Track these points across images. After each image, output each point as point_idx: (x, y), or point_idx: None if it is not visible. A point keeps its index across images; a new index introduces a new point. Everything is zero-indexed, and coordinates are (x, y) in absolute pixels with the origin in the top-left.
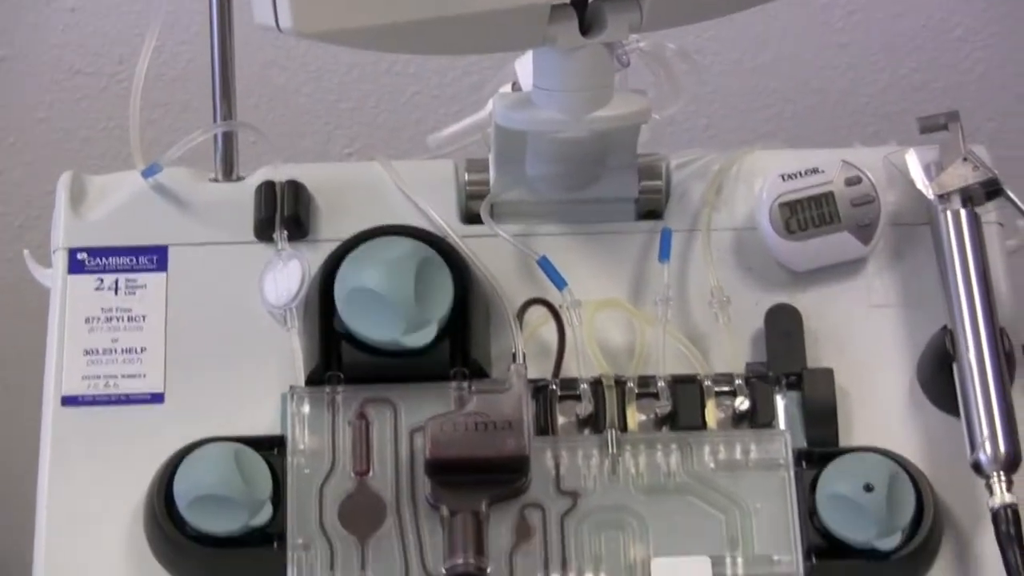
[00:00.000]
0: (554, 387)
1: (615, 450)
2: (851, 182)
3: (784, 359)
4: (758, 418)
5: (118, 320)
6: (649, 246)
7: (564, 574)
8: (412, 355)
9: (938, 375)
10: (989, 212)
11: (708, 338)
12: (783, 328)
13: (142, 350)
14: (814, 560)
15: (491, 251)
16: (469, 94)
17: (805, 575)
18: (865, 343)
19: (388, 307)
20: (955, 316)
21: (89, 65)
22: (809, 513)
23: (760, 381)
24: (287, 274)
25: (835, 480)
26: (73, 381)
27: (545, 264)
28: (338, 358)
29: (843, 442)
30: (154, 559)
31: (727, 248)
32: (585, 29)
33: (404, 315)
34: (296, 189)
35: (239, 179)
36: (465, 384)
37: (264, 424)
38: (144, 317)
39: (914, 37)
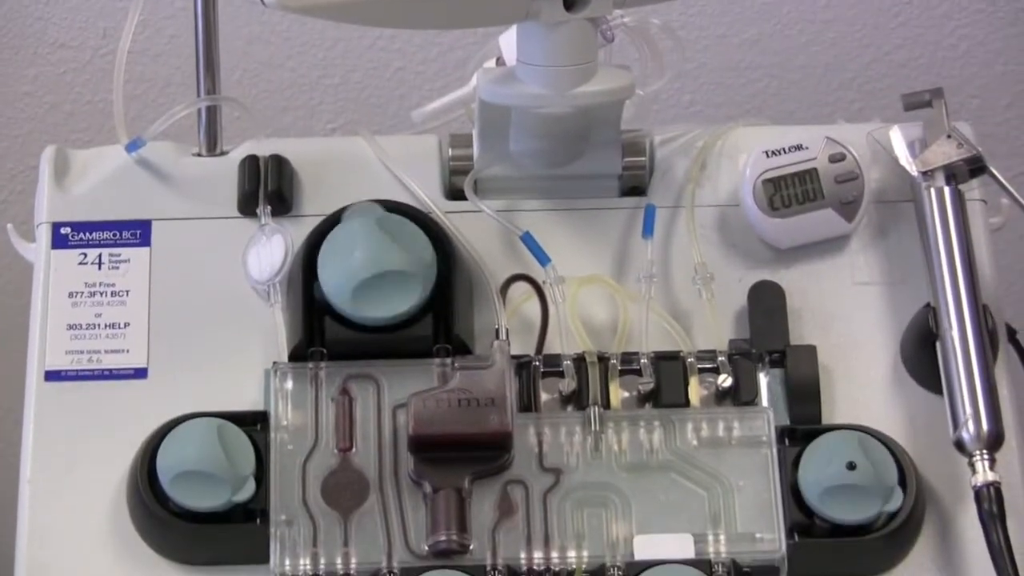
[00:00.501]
0: (537, 363)
1: (598, 427)
2: (835, 159)
3: (767, 336)
4: (741, 395)
5: (101, 295)
6: (633, 222)
7: (547, 551)
8: (395, 330)
9: (921, 353)
10: (973, 189)
11: (691, 315)
12: (766, 305)
13: (125, 325)
14: (796, 538)
15: (474, 227)
16: (453, 69)
17: (788, 553)
18: (848, 321)
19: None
20: (938, 294)
21: (73, 39)
22: (792, 491)
23: (743, 358)
24: (270, 249)
25: (818, 458)
26: (57, 356)
27: (528, 240)
28: (321, 334)
29: (826, 420)
30: (137, 535)
31: (711, 225)
32: (569, 4)
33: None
34: (280, 164)
35: (223, 153)
36: (448, 360)
37: (247, 400)
38: (127, 292)
39: (898, 14)
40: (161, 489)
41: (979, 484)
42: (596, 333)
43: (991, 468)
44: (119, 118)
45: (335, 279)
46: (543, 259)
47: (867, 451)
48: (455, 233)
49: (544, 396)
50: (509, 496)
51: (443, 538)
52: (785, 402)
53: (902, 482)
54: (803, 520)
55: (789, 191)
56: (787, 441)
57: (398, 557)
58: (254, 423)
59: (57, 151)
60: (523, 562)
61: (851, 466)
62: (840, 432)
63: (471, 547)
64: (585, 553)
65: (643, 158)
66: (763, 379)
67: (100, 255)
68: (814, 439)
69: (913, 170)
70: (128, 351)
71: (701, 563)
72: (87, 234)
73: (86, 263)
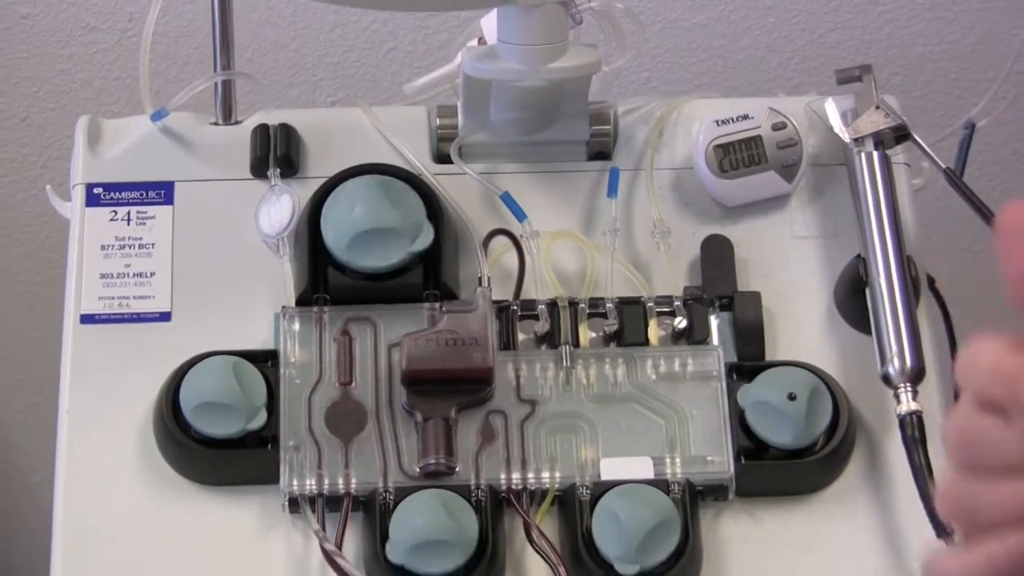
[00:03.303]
0: (515, 308)
1: (569, 363)
2: (777, 127)
3: (717, 284)
4: (694, 335)
5: (130, 248)
6: (599, 183)
7: (524, 472)
8: (390, 278)
9: (852, 298)
10: (898, 154)
11: (650, 265)
12: (717, 256)
13: (151, 274)
14: (743, 460)
15: (459, 187)
16: (439, 49)
17: (735, 474)
18: (788, 270)
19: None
20: (868, 246)
21: (103, 22)
22: (739, 419)
23: (696, 303)
24: (279, 207)
25: (762, 390)
26: (91, 301)
27: (507, 199)
28: (324, 282)
29: (769, 357)
30: (163, 459)
31: (667, 185)
32: None
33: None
34: (287, 131)
35: (237, 123)
36: (437, 305)
37: (259, 340)
38: (153, 245)
39: (830, 1)
40: (184, 418)
41: (903, 413)
42: (567, 281)
43: (914, 399)
44: (145, 91)
45: (337, 231)
46: (520, 215)
47: (805, 383)
48: (442, 192)
49: (521, 336)
50: (491, 424)
51: (432, 461)
52: (733, 341)
53: (835, 411)
54: (748, 445)
55: (736, 155)
56: (735, 376)
57: (393, 478)
58: (265, 360)
59: (90, 120)
60: (503, 482)
61: (791, 397)
62: (781, 367)
63: (457, 469)
64: (558, 474)
65: (608, 126)
66: (714, 321)
67: (129, 212)
68: (758, 373)
69: (846, 137)
70: (154, 297)
71: (660, 483)
72: (117, 194)
73: (116, 219)
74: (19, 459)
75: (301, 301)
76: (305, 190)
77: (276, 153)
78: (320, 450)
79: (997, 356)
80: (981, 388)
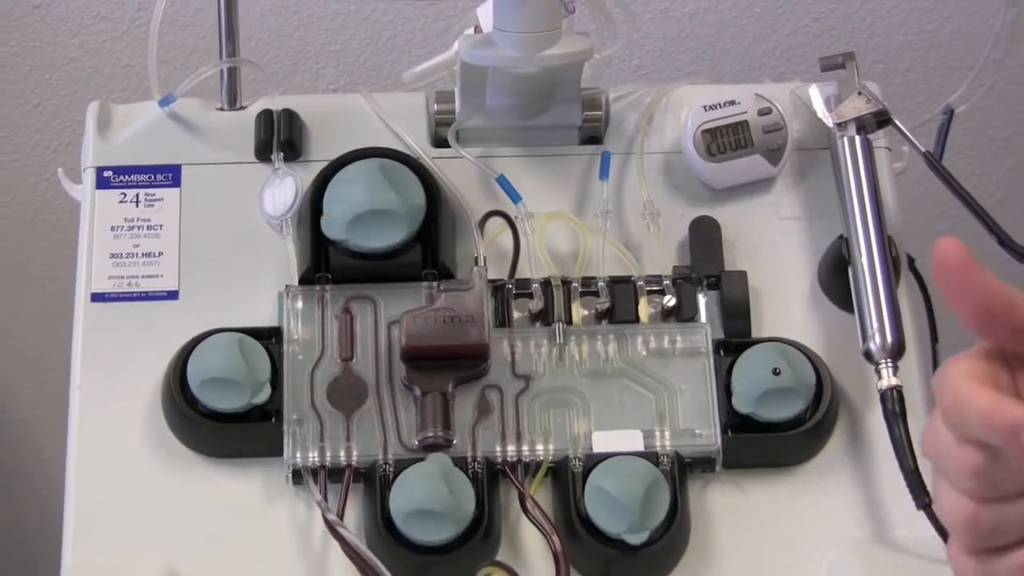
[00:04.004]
0: (510, 286)
1: (562, 340)
2: (763, 112)
3: (705, 263)
4: (683, 313)
5: (139, 229)
6: (591, 167)
7: (518, 445)
8: (389, 258)
9: (835, 277)
10: (879, 139)
11: (641, 245)
12: (704, 237)
13: (159, 254)
14: (730, 433)
15: (456, 170)
16: (437, 38)
17: (722, 446)
18: (774, 250)
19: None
20: (850, 226)
21: (113, 12)
22: (726, 394)
23: (685, 282)
24: (283, 189)
25: (748, 365)
26: (101, 280)
27: (503, 181)
28: (326, 261)
29: (755, 334)
30: (170, 432)
31: (657, 169)
32: None
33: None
34: (291, 117)
35: (241, 108)
36: (435, 283)
37: (263, 317)
38: (161, 226)
39: None
40: (191, 393)
41: (884, 387)
42: (560, 261)
43: (894, 374)
44: (153, 78)
45: (337, 211)
46: (515, 197)
47: (789, 360)
48: (440, 175)
49: (516, 314)
50: (486, 398)
51: (431, 434)
52: (720, 319)
53: (819, 386)
54: (735, 419)
55: (724, 140)
56: (722, 352)
57: (392, 451)
58: (269, 337)
59: (100, 106)
60: (498, 455)
61: (776, 372)
62: (767, 344)
63: (454, 442)
64: (551, 447)
65: (600, 112)
66: (701, 299)
67: (137, 194)
68: (745, 350)
69: (829, 122)
70: (162, 276)
71: (649, 455)
72: (126, 177)
73: (126, 201)
74: (32, 433)
75: (304, 280)
76: (308, 173)
77: (280, 137)
78: (322, 423)
79: (985, 402)
80: (971, 432)
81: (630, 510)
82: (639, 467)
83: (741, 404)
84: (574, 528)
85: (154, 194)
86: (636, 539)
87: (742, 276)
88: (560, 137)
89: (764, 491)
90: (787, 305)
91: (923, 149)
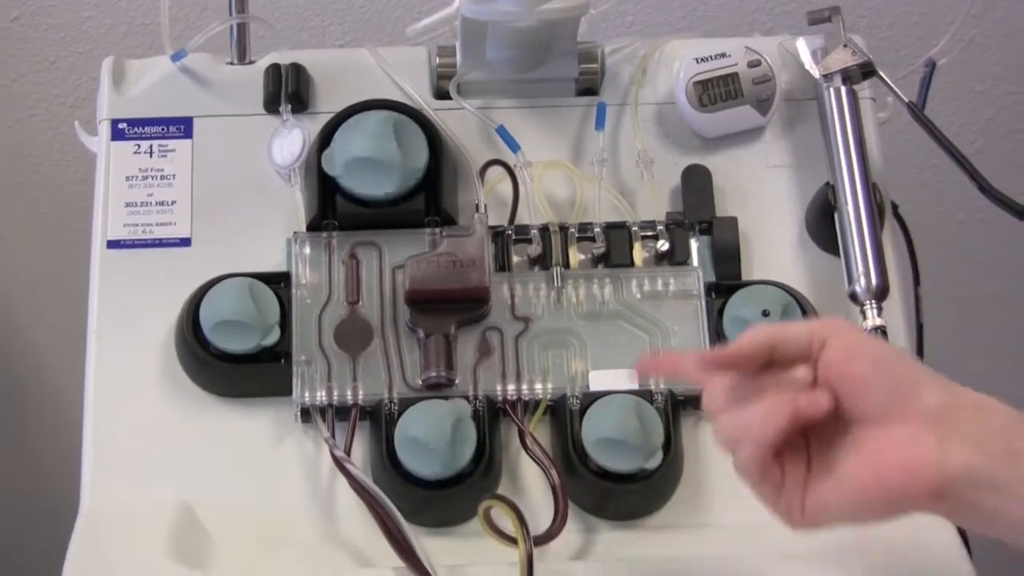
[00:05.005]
0: (510, 232)
1: (559, 283)
2: (752, 64)
3: (697, 209)
4: (676, 257)
5: (152, 178)
6: (587, 117)
7: (518, 384)
8: (393, 205)
9: (822, 222)
10: (864, 89)
11: (635, 192)
12: (696, 184)
13: (172, 203)
14: None
15: (458, 121)
16: None
17: None
18: (763, 196)
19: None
20: (836, 174)
21: None
22: (717, 334)
23: (678, 227)
24: (291, 140)
25: (738, 307)
26: (116, 228)
27: (502, 132)
28: (333, 209)
29: (745, 277)
30: (184, 373)
31: (651, 119)
32: None
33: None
34: (298, 70)
35: (251, 63)
36: (437, 230)
37: (273, 263)
38: (174, 176)
39: None
40: (203, 335)
41: (869, 327)
42: (558, 207)
43: (879, 315)
44: (165, 34)
45: (340, 150)
46: (514, 147)
47: (778, 301)
48: (442, 126)
49: (515, 259)
50: (487, 340)
51: (434, 374)
52: (711, 263)
53: None
54: None
55: (715, 91)
56: (713, 294)
57: (397, 390)
58: (279, 281)
59: (115, 61)
60: (499, 393)
61: (765, 313)
62: (756, 286)
63: (456, 381)
64: (550, 385)
65: (595, 65)
66: (694, 244)
67: (151, 146)
68: (735, 292)
69: (816, 73)
70: (175, 224)
71: (644, 393)
72: (140, 128)
73: (140, 152)
74: (51, 378)
75: (311, 227)
76: (314, 124)
77: (287, 90)
78: (330, 364)
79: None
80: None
81: (632, 444)
82: (628, 403)
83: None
84: (572, 463)
85: (167, 145)
86: (653, 463)
87: (733, 222)
88: (557, 89)
89: None
90: (776, 249)
91: (906, 100)
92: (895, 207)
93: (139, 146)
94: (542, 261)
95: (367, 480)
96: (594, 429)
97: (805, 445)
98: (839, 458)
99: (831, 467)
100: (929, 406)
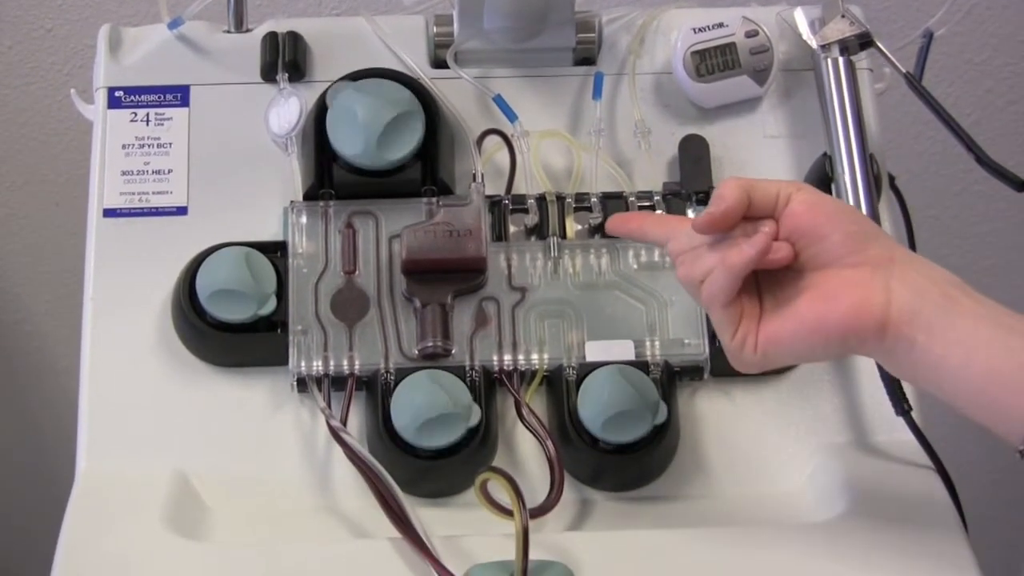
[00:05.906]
0: (507, 202)
1: (556, 253)
2: (750, 35)
3: (694, 179)
4: None
5: (149, 147)
6: (584, 87)
7: (515, 354)
8: (390, 174)
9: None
10: (862, 60)
11: (632, 162)
12: (694, 154)
13: (169, 171)
14: (717, 343)
15: (455, 90)
16: None
17: (710, 355)
18: (760, 167)
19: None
20: (834, 144)
21: None
22: None
23: (675, 197)
24: (288, 109)
25: None
26: (113, 197)
27: (499, 101)
28: (330, 178)
29: None
30: (180, 342)
31: (648, 89)
32: None
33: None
34: (295, 39)
35: (248, 31)
36: (434, 199)
37: (269, 232)
38: (171, 144)
39: None
40: (200, 304)
41: None
42: (555, 177)
43: None
44: (162, 2)
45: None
46: (511, 116)
47: None
48: (439, 95)
49: (512, 228)
50: (484, 310)
51: (430, 344)
52: None
53: None
54: None
55: (712, 61)
56: None
57: (393, 360)
58: (275, 251)
59: (111, 29)
60: (495, 363)
61: None
62: None
63: (453, 351)
64: (546, 356)
65: (593, 34)
66: (691, 214)
67: (148, 114)
68: None
69: (813, 44)
70: (171, 192)
71: (640, 364)
72: (137, 96)
73: (136, 120)
74: (47, 346)
75: (308, 196)
76: (311, 93)
77: (284, 59)
78: (326, 334)
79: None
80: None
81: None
82: (624, 373)
83: None
84: (568, 434)
85: (164, 113)
86: (648, 434)
87: None
88: (555, 58)
89: (750, 398)
90: None
91: (904, 70)
92: (892, 178)
93: (135, 114)
94: (539, 231)
95: (363, 450)
96: (590, 400)
97: (758, 292)
98: (792, 298)
99: (785, 306)
100: (878, 255)
